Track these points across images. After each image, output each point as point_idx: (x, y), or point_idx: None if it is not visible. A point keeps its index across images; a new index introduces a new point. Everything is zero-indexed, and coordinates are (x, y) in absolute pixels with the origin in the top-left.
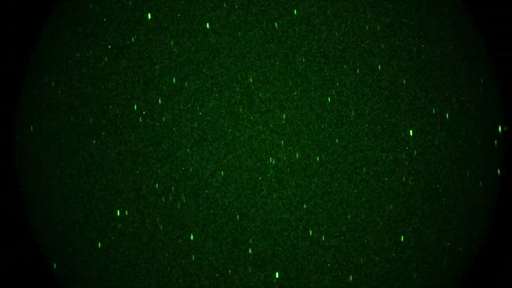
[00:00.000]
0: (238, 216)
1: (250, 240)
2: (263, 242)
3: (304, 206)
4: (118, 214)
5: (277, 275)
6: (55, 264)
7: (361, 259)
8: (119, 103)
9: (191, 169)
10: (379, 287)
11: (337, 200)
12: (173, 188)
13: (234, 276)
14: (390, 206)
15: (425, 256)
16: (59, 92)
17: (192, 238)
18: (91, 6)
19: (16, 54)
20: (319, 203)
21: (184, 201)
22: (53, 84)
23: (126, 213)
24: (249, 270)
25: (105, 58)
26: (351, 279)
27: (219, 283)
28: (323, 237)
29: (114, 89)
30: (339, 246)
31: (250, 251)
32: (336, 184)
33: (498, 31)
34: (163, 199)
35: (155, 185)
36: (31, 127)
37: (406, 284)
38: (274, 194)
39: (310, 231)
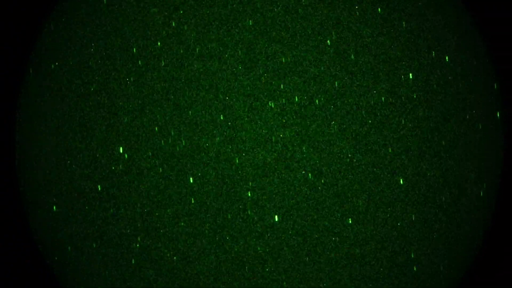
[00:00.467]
0: (237, 160)
1: (250, 183)
2: (262, 185)
3: (304, 148)
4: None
5: (276, 218)
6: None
7: (360, 202)
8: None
9: (190, 112)
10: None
11: (337, 143)
12: (172, 132)
13: (233, 220)
14: (390, 150)
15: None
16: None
17: (191, 181)
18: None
19: (16, 54)
20: (319, 145)
21: (184, 144)
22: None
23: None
24: (248, 213)
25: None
26: (350, 221)
27: (218, 226)
28: (322, 180)
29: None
30: (339, 189)
31: (249, 194)
32: (335, 128)
33: (498, 31)
34: (162, 142)
35: (155, 129)
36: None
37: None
38: (273, 137)
39: (310, 174)
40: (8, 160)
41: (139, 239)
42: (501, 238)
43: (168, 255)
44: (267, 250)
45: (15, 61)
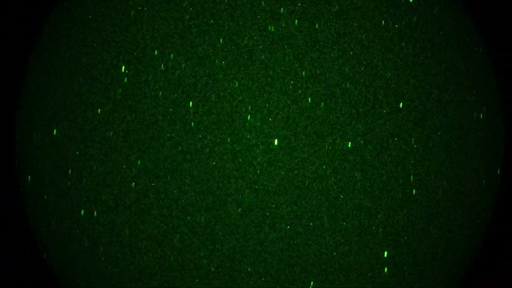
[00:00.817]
0: (237, 83)
1: (249, 107)
2: (261, 109)
3: (304, 73)
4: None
5: (276, 142)
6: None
7: (360, 126)
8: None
9: (190, 37)
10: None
11: (335, 69)
12: (172, 55)
13: (233, 143)
14: (389, 74)
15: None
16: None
17: (191, 105)
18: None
19: (16, 54)
20: (317, 70)
21: (183, 68)
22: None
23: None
24: (248, 137)
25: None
26: (349, 145)
27: (218, 150)
28: (322, 104)
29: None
30: (337, 112)
31: (248, 118)
32: (335, 52)
33: (498, 31)
34: (162, 66)
35: (154, 52)
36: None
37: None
38: (272, 62)
39: (309, 99)
40: (8, 160)
41: (139, 162)
42: (501, 238)
43: (168, 179)
44: (266, 172)
45: (15, 61)
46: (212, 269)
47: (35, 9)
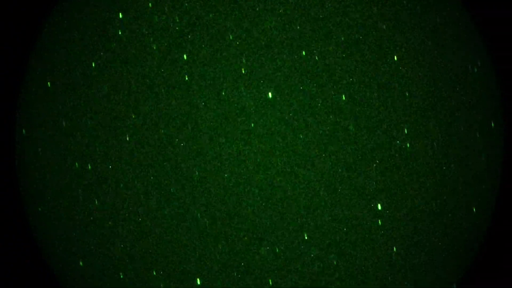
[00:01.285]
0: (231, 36)
1: (243, 60)
2: (256, 62)
3: (298, 27)
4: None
5: (270, 94)
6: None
7: (355, 79)
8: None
9: None
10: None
11: (330, 22)
12: (166, 8)
13: (227, 96)
14: (384, 27)
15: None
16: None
17: (185, 57)
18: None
19: (16, 54)
20: (314, 24)
21: (177, 21)
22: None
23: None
24: (242, 89)
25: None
26: (343, 98)
27: (212, 104)
28: (316, 58)
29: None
30: (331, 65)
31: (243, 71)
32: (330, 9)
33: (498, 31)
34: (156, 18)
35: (148, 4)
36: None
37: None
38: (269, 16)
39: (303, 52)
40: (8, 160)
41: (133, 116)
42: (501, 238)
43: (162, 132)
44: (260, 126)
45: (15, 61)
46: (207, 222)
47: (35, 9)
